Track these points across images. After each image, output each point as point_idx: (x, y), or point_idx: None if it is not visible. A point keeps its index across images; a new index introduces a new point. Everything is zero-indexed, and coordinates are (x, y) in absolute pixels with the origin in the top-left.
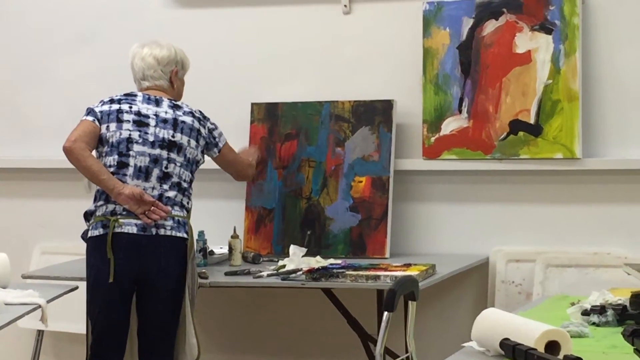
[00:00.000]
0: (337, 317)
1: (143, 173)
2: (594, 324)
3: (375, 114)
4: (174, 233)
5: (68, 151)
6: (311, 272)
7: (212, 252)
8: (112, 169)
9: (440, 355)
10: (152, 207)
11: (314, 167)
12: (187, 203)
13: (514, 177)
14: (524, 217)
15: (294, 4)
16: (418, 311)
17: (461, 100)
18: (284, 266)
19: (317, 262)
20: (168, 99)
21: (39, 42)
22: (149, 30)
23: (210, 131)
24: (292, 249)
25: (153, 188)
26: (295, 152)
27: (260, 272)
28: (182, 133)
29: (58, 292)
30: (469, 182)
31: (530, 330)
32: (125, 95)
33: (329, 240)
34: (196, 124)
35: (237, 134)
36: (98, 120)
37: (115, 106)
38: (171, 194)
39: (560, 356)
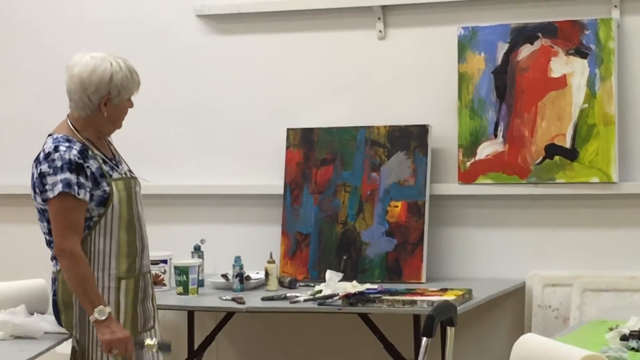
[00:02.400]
0: (374, 342)
1: None
2: (633, 349)
3: (411, 139)
4: (51, 295)
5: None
6: (348, 297)
7: (248, 277)
8: None
9: None
10: None
11: (349, 192)
12: (54, 257)
13: (550, 202)
14: (560, 241)
15: (329, 29)
16: (455, 336)
17: (497, 124)
18: (320, 291)
19: (354, 287)
20: (49, 135)
21: None
22: (184, 56)
23: (42, 176)
24: (329, 274)
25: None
26: (331, 177)
27: (297, 297)
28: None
29: None
30: (504, 206)
31: (569, 356)
32: None
33: (365, 265)
34: (33, 170)
35: (273, 160)
36: None
37: None
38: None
39: None
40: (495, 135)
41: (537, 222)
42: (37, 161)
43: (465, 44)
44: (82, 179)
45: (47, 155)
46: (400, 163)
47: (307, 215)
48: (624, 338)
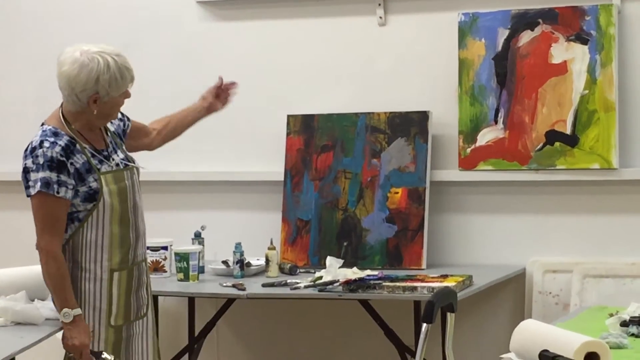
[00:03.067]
0: (374, 329)
1: None
2: (633, 335)
3: (411, 125)
4: None
5: None
6: (348, 283)
7: (249, 264)
8: None
9: None
10: None
11: (350, 179)
12: None
13: (550, 188)
14: (560, 228)
15: (329, 15)
16: (455, 322)
17: (497, 111)
18: (320, 277)
19: (354, 273)
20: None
21: None
22: (184, 43)
23: (25, 171)
24: (329, 260)
25: None
26: (332, 163)
27: (297, 283)
28: None
29: None
30: (505, 192)
31: (569, 342)
32: None
33: (366, 251)
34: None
35: (273, 146)
36: None
37: None
38: None
39: None
40: (496, 122)
41: (537, 209)
42: (25, 154)
43: (465, 30)
44: (63, 177)
45: (33, 150)
46: (401, 149)
47: (307, 202)
48: (624, 324)
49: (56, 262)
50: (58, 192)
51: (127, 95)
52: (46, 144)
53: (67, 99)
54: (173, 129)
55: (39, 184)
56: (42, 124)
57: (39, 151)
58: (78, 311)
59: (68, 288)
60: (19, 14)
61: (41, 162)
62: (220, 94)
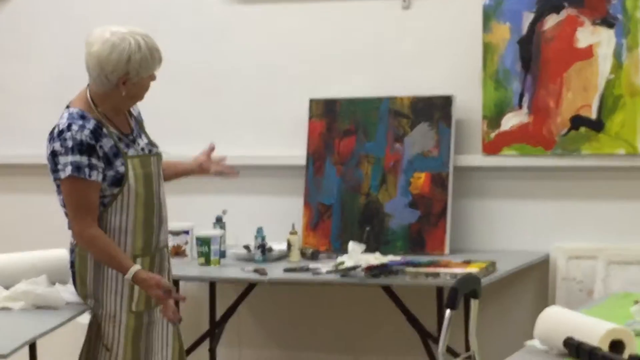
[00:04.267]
0: (396, 314)
1: None
2: None
3: (435, 110)
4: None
5: None
6: (370, 269)
7: (270, 249)
8: None
9: (501, 354)
10: None
11: (372, 163)
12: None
13: (575, 173)
14: (585, 214)
15: None
16: (478, 309)
17: (521, 95)
18: (342, 263)
19: (376, 258)
20: (66, 106)
21: None
22: (207, 27)
23: (54, 154)
24: (351, 245)
25: None
26: (354, 148)
27: (319, 268)
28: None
29: None
30: (529, 178)
31: (594, 329)
32: None
33: (388, 236)
34: (47, 145)
35: (295, 130)
36: None
37: None
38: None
39: (625, 355)
40: (520, 106)
41: (561, 194)
42: (51, 136)
43: (490, 14)
44: (94, 160)
45: (60, 133)
46: (424, 134)
47: (329, 187)
48: None
49: (101, 239)
50: (90, 176)
51: (153, 77)
52: (74, 127)
53: (96, 80)
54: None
55: (69, 167)
56: (68, 106)
57: (67, 134)
58: (133, 270)
59: (117, 258)
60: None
61: (70, 146)
62: (214, 159)
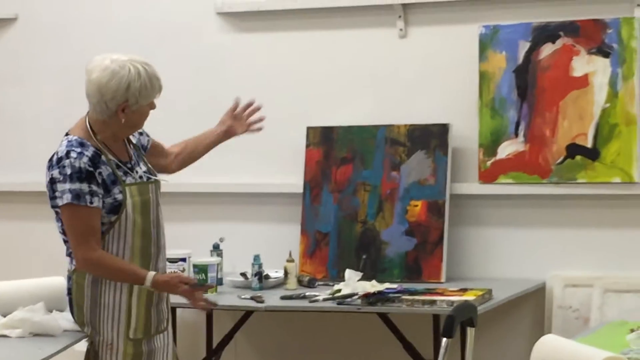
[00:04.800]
0: (393, 342)
1: None
2: None
3: (431, 138)
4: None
5: None
6: (367, 296)
7: (267, 276)
8: None
9: None
10: None
11: (369, 191)
12: (70, 253)
13: (571, 202)
14: (581, 242)
15: (349, 28)
16: (474, 337)
17: (517, 124)
18: (339, 290)
19: (373, 286)
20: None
21: None
22: (205, 55)
23: (52, 182)
24: (348, 273)
25: None
26: (351, 175)
27: (316, 296)
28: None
29: None
30: (525, 206)
31: (590, 358)
32: None
33: (385, 264)
34: (46, 171)
35: (293, 158)
36: None
37: None
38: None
39: None
40: (516, 135)
41: (558, 222)
42: (50, 164)
43: (486, 43)
44: (94, 187)
45: (59, 161)
46: (421, 162)
47: (326, 214)
48: None
49: (104, 264)
50: (92, 202)
51: (153, 105)
52: (73, 155)
53: (95, 107)
54: (191, 152)
55: (68, 195)
56: (67, 134)
57: (66, 162)
58: (150, 277)
59: (129, 272)
60: (40, 24)
61: (69, 173)
62: (239, 117)
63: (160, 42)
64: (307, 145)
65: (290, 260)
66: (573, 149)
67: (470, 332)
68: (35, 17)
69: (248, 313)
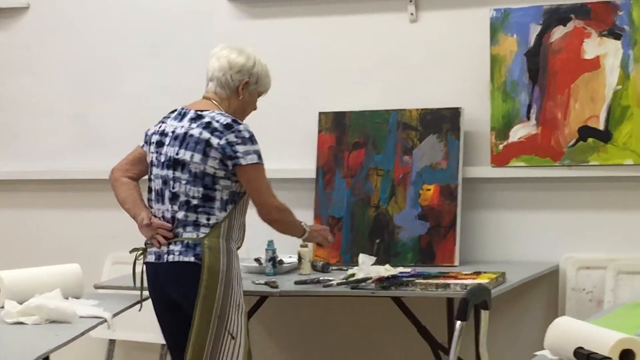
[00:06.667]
0: (407, 326)
1: (160, 196)
2: None
3: (443, 122)
4: (180, 258)
5: (110, 180)
6: (381, 280)
7: (281, 262)
8: (147, 195)
9: None
10: (158, 229)
11: (382, 176)
12: (208, 219)
13: (584, 184)
14: (594, 224)
15: (360, 13)
16: (488, 320)
17: (529, 107)
18: (353, 275)
19: (387, 270)
20: (197, 110)
21: (108, 55)
22: (215, 42)
23: (230, 144)
24: (361, 257)
25: (167, 210)
26: (363, 160)
27: (330, 280)
28: (186, 148)
29: (129, 302)
30: (537, 189)
31: (604, 339)
32: (170, 112)
33: (398, 248)
34: (205, 135)
35: (305, 144)
36: (147, 143)
37: (154, 128)
38: (180, 214)
39: None
40: (528, 118)
41: (570, 205)
42: (212, 129)
43: (497, 26)
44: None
45: (229, 127)
46: (433, 146)
47: (339, 199)
48: None
49: (286, 211)
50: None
51: (261, 93)
52: (239, 121)
53: (219, 81)
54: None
55: (254, 155)
56: (206, 112)
57: (240, 126)
58: (306, 227)
59: (296, 220)
60: (52, 13)
61: (247, 136)
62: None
63: (172, 29)
64: (320, 131)
65: (304, 246)
66: (585, 132)
67: (485, 315)
68: (47, 6)
69: (262, 298)
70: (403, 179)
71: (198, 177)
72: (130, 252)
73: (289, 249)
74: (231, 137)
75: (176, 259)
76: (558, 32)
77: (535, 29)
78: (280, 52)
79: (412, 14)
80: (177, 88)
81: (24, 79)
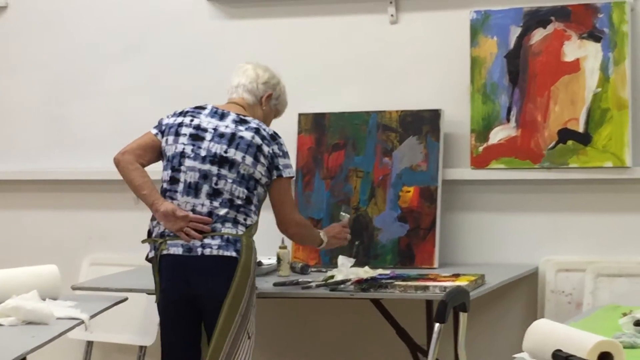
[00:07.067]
0: (386, 328)
1: (193, 189)
2: None
3: (423, 124)
4: (220, 252)
5: (116, 163)
6: (360, 282)
7: (260, 263)
8: (165, 184)
9: None
10: (191, 222)
11: (361, 177)
12: (245, 219)
13: (563, 187)
14: (573, 227)
15: (340, 14)
16: (467, 322)
17: (509, 109)
18: (332, 277)
19: (366, 272)
20: (237, 113)
21: (86, 54)
22: (195, 42)
23: (275, 155)
24: (341, 259)
25: (202, 205)
26: (343, 162)
27: (309, 282)
28: (236, 149)
29: (107, 303)
30: (517, 191)
31: (582, 342)
32: (195, 107)
33: (377, 250)
34: (257, 140)
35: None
36: (162, 132)
37: (179, 119)
38: (222, 211)
39: None
40: (508, 120)
41: (550, 207)
42: (262, 136)
43: (477, 28)
44: None
45: (274, 137)
46: (412, 148)
47: (318, 201)
48: (637, 323)
49: (307, 226)
50: None
51: (278, 114)
52: (278, 134)
53: (247, 88)
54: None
55: (291, 169)
56: (251, 119)
57: (282, 139)
58: (323, 235)
59: (316, 230)
60: (30, 12)
61: (286, 150)
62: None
63: (151, 29)
64: (299, 132)
65: (283, 247)
66: (565, 134)
67: (463, 317)
68: (26, 6)
69: None
70: (383, 180)
71: (244, 179)
72: (143, 242)
73: (268, 251)
74: (276, 149)
75: (214, 252)
76: (538, 35)
77: (515, 31)
78: (259, 52)
79: (392, 15)
80: (155, 88)
81: (1, 78)
